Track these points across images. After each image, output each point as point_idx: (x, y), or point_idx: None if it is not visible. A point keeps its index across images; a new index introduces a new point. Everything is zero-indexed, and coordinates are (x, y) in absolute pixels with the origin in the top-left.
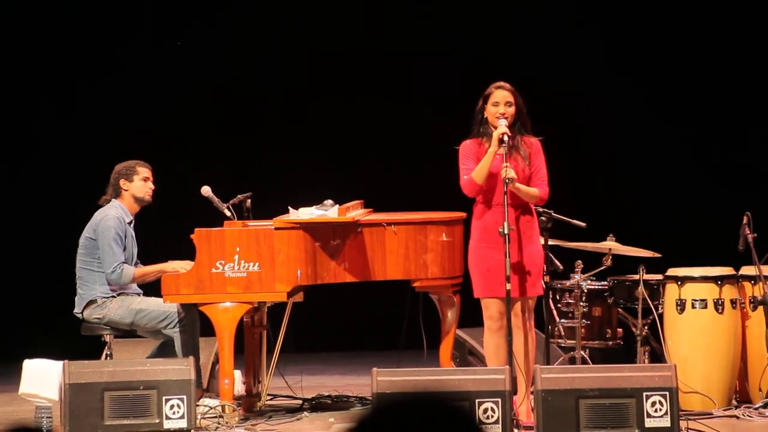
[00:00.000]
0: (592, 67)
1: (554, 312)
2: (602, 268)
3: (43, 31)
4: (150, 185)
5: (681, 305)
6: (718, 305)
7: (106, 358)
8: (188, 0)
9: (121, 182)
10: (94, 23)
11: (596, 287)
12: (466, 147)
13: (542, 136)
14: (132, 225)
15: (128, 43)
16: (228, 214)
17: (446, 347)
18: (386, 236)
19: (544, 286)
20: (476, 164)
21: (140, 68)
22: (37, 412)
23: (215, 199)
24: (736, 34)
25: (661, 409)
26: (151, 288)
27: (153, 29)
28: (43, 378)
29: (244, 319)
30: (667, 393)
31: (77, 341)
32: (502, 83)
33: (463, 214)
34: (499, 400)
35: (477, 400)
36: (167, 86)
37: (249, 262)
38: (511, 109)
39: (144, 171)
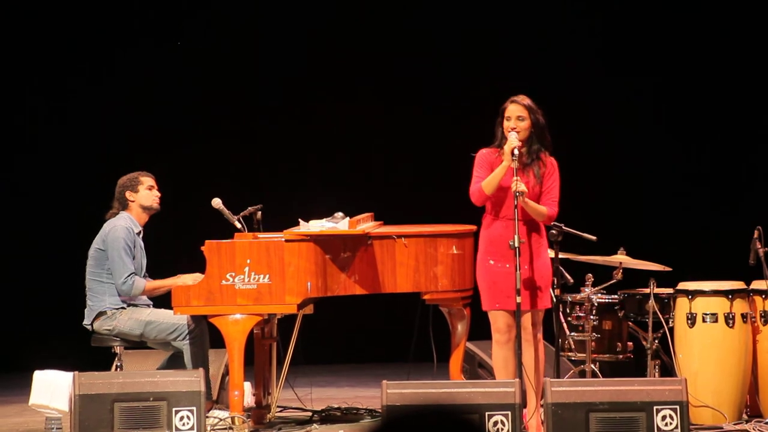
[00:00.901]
0: (600, 77)
1: (564, 325)
2: (613, 281)
3: (44, 37)
4: (156, 192)
5: (692, 319)
6: (729, 319)
7: (116, 369)
8: (193, 6)
9: (127, 194)
10: (96, 28)
11: (607, 300)
12: (481, 155)
13: (557, 152)
14: (141, 236)
15: (132, 47)
16: (238, 226)
17: (456, 360)
18: (396, 249)
19: (553, 298)
20: (488, 173)
21: (146, 76)
22: (47, 423)
23: (226, 211)
24: (744, 41)
25: (671, 423)
26: (162, 300)
27: (155, 35)
28: (53, 389)
29: (254, 331)
30: (678, 407)
31: (87, 352)
32: (517, 98)
33: (474, 227)
34: (509, 413)
35: (487, 413)
36: (176, 99)
37: (259, 274)
38: (523, 124)
39: (148, 180)
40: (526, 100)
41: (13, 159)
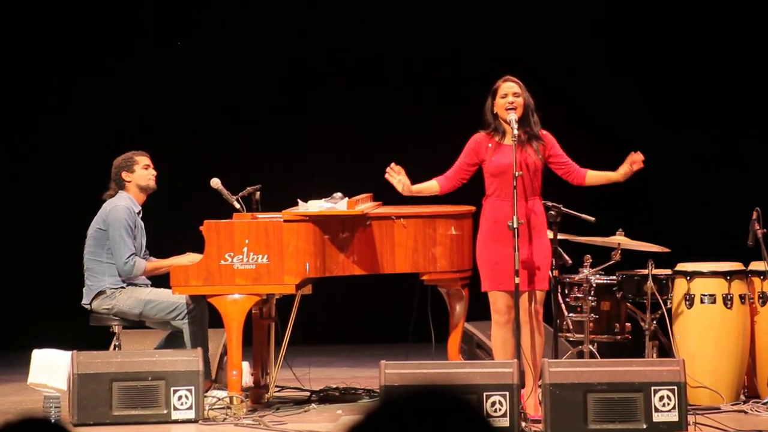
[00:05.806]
0: (599, 59)
1: (563, 306)
2: (611, 262)
3: (45, 26)
4: (152, 171)
5: (690, 300)
6: (727, 300)
7: (114, 348)
8: None
9: (123, 174)
10: (98, 16)
11: (605, 282)
12: (472, 141)
13: (557, 133)
14: (140, 215)
15: (133, 35)
16: (237, 206)
17: (454, 340)
18: (395, 229)
19: (551, 280)
20: (472, 159)
21: (146, 60)
22: (46, 402)
23: (224, 192)
24: (741, 26)
25: (668, 404)
26: (160, 279)
27: (157, 22)
28: (51, 368)
29: (253, 311)
30: (675, 387)
31: (86, 332)
32: (508, 77)
33: (472, 208)
34: (507, 393)
35: (485, 394)
36: (174, 79)
37: (258, 254)
38: (519, 100)
39: (143, 159)
40: (516, 79)
41: (13, 141)
